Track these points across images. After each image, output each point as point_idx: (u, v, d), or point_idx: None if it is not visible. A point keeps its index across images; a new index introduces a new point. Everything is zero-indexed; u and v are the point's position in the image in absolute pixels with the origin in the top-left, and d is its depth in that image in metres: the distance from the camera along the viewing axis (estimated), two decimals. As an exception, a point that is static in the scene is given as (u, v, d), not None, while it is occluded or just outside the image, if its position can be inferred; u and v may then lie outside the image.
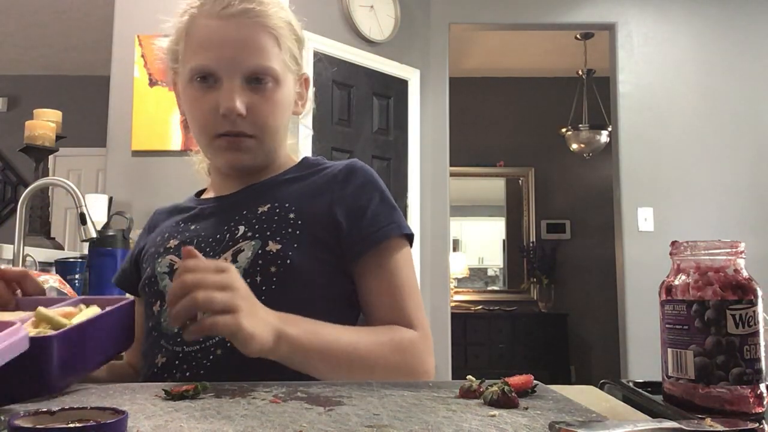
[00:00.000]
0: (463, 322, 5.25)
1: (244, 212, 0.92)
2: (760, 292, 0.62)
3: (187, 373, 0.84)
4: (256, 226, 0.90)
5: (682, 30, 3.97)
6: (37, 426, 0.46)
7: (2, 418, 0.47)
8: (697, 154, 3.87)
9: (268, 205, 0.92)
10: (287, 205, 0.91)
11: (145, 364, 0.91)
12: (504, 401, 0.59)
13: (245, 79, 0.90)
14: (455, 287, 5.62)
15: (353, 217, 0.91)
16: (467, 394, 0.64)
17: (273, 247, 0.87)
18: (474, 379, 0.67)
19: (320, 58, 3.34)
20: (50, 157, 2.78)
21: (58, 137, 2.60)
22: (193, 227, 0.96)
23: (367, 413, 0.56)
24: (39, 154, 2.53)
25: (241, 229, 0.90)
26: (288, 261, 0.86)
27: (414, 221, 3.66)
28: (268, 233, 0.89)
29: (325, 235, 0.90)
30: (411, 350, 0.87)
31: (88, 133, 4.73)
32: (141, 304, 0.96)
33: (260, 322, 0.71)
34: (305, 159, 1.04)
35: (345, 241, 0.89)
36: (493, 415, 0.56)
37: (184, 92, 0.95)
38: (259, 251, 0.87)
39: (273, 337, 0.73)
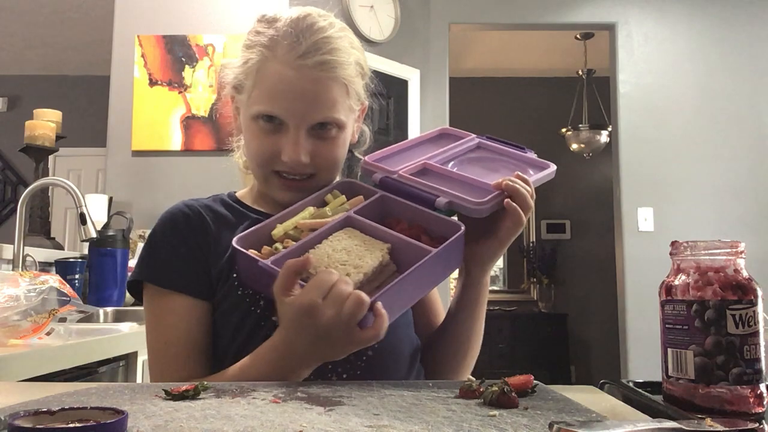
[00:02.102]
0: (463, 322, 5.24)
1: None
2: (760, 292, 0.62)
3: (344, 375, 0.86)
4: None
5: (682, 30, 3.97)
6: (37, 426, 0.46)
7: (2, 417, 0.47)
8: (697, 154, 3.87)
9: None
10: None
11: None
12: (504, 401, 0.59)
13: (311, 127, 0.90)
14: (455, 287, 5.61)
15: None
16: (467, 394, 0.64)
17: None
18: (474, 379, 0.67)
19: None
20: (50, 157, 2.78)
21: (58, 137, 2.60)
22: None
23: (367, 413, 0.56)
24: (39, 154, 2.53)
25: None
26: None
27: (414, 221, 3.65)
28: None
29: None
30: None
31: (88, 133, 4.74)
32: (207, 312, 0.90)
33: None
34: None
35: None
36: (493, 415, 0.56)
37: (247, 126, 0.94)
38: None
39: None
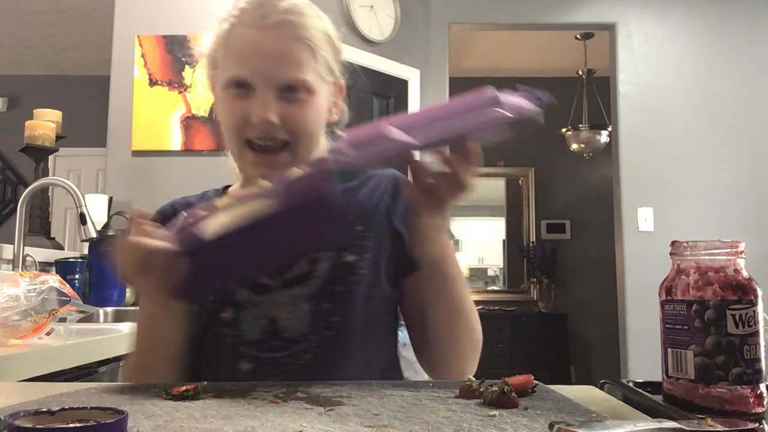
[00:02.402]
0: (463, 322, 5.24)
1: None
2: (760, 292, 0.62)
3: (280, 377, 0.86)
4: None
5: (682, 30, 3.97)
6: (37, 426, 0.46)
7: (2, 417, 0.47)
8: (697, 154, 3.86)
9: None
10: (351, 217, 0.93)
11: (219, 369, 0.91)
12: (504, 401, 0.59)
13: (279, 89, 0.90)
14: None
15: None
16: (467, 394, 0.64)
17: (348, 257, 0.91)
18: (474, 379, 0.67)
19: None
20: (50, 157, 2.78)
21: (58, 137, 2.60)
22: None
23: (367, 413, 0.56)
24: (39, 154, 2.53)
25: None
26: (363, 271, 0.91)
27: (414, 221, 3.65)
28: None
29: (389, 246, 0.95)
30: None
31: (88, 133, 4.73)
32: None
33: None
34: None
35: (405, 255, 0.93)
36: (493, 415, 0.56)
37: (220, 97, 0.95)
38: (336, 262, 0.91)
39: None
